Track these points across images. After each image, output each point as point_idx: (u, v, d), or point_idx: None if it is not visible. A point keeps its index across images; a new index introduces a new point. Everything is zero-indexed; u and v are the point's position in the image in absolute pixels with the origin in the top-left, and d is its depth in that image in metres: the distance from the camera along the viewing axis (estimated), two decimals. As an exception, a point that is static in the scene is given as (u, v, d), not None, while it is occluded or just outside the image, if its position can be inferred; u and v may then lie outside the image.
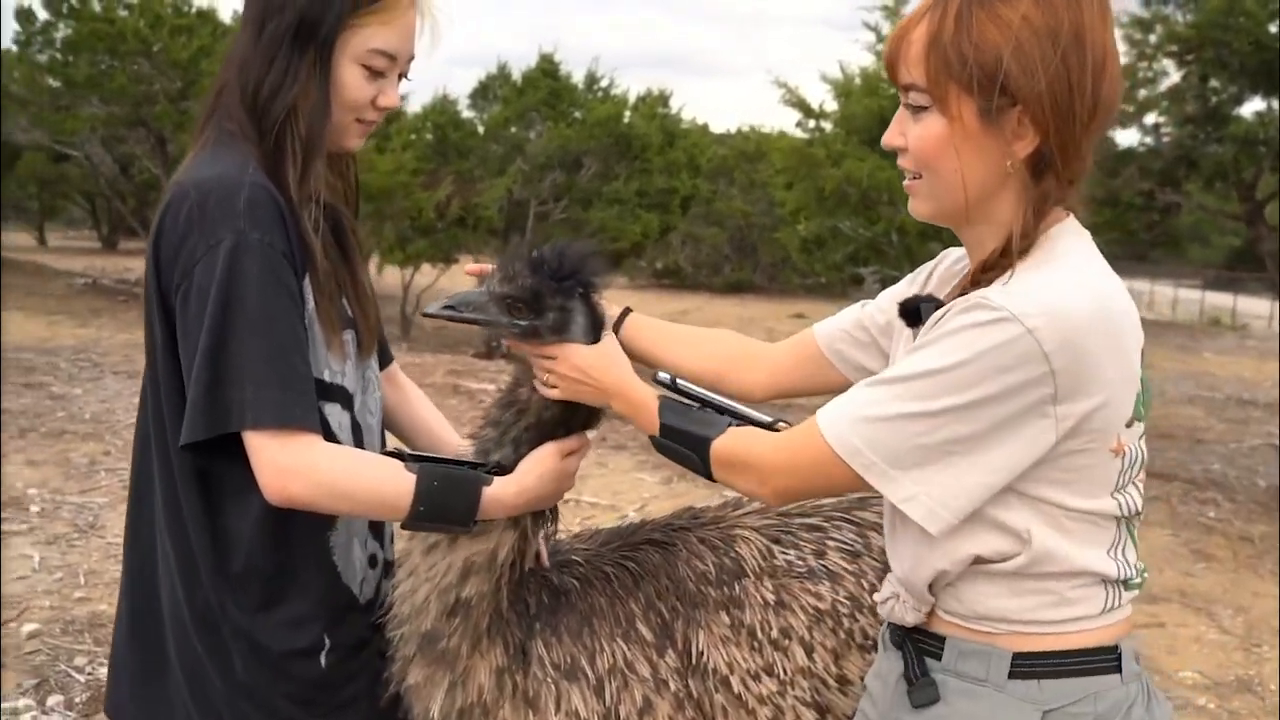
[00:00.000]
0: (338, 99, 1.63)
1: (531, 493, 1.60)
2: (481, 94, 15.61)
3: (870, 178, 9.09)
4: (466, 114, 15.36)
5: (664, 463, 7.53)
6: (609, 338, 1.62)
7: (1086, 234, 1.36)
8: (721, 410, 1.54)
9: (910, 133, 1.32)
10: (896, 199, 9.51)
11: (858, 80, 10.61)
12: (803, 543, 1.75)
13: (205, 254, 1.48)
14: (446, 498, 1.54)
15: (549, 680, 1.64)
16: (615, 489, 6.84)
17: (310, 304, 1.59)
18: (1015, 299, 1.22)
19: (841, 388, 1.48)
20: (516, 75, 15.21)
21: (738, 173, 25.08)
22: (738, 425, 1.48)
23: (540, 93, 14.69)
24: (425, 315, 1.63)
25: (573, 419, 1.66)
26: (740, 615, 1.67)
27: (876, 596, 1.49)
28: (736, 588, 1.69)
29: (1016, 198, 1.32)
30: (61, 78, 15.23)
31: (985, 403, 1.22)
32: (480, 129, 15.29)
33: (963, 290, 1.32)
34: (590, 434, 1.68)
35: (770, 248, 25.63)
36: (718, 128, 33.08)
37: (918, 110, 1.32)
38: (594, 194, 14.30)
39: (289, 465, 1.48)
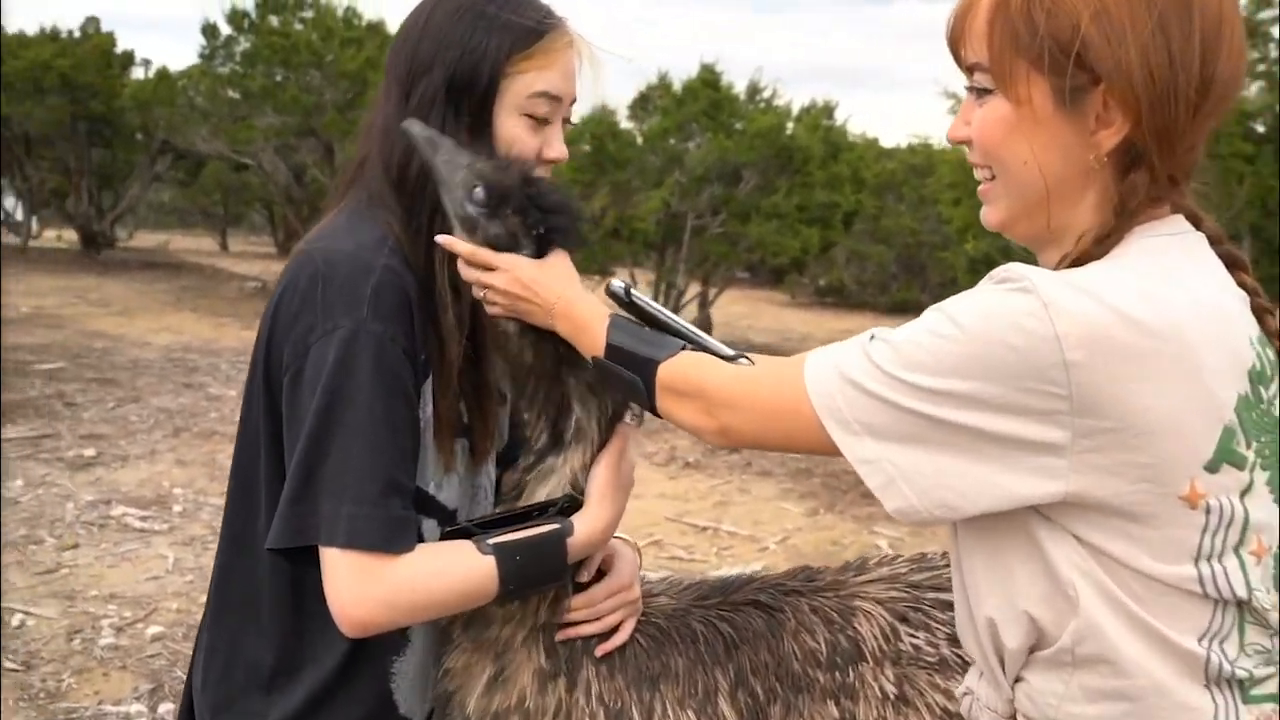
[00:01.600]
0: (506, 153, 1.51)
1: (612, 516, 1.48)
2: (641, 104, 15.59)
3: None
4: (625, 124, 15.35)
5: (810, 491, 7.26)
6: (558, 253, 1.45)
7: (1193, 236, 1.09)
8: (680, 335, 1.36)
9: (974, 121, 1.14)
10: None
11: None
12: (935, 624, 1.45)
13: (320, 339, 1.37)
14: (533, 568, 1.41)
15: (590, 712, 1.43)
16: (757, 518, 6.59)
17: (428, 409, 1.48)
18: (1047, 277, 0.98)
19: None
20: (677, 85, 15.09)
21: (905, 188, 24.47)
22: (693, 351, 1.31)
23: (700, 103, 14.54)
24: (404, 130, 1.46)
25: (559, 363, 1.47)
26: (852, 709, 1.39)
27: (956, 690, 1.22)
28: (851, 674, 1.42)
29: (1103, 201, 1.09)
30: (240, 89, 16.00)
31: (986, 380, 0.99)
32: (638, 139, 15.26)
33: None
34: (629, 421, 1.51)
35: (939, 267, 24.87)
36: (888, 141, 32.41)
37: (982, 94, 1.13)
38: (753, 207, 14.02)
39: (365, 593, 1.36)
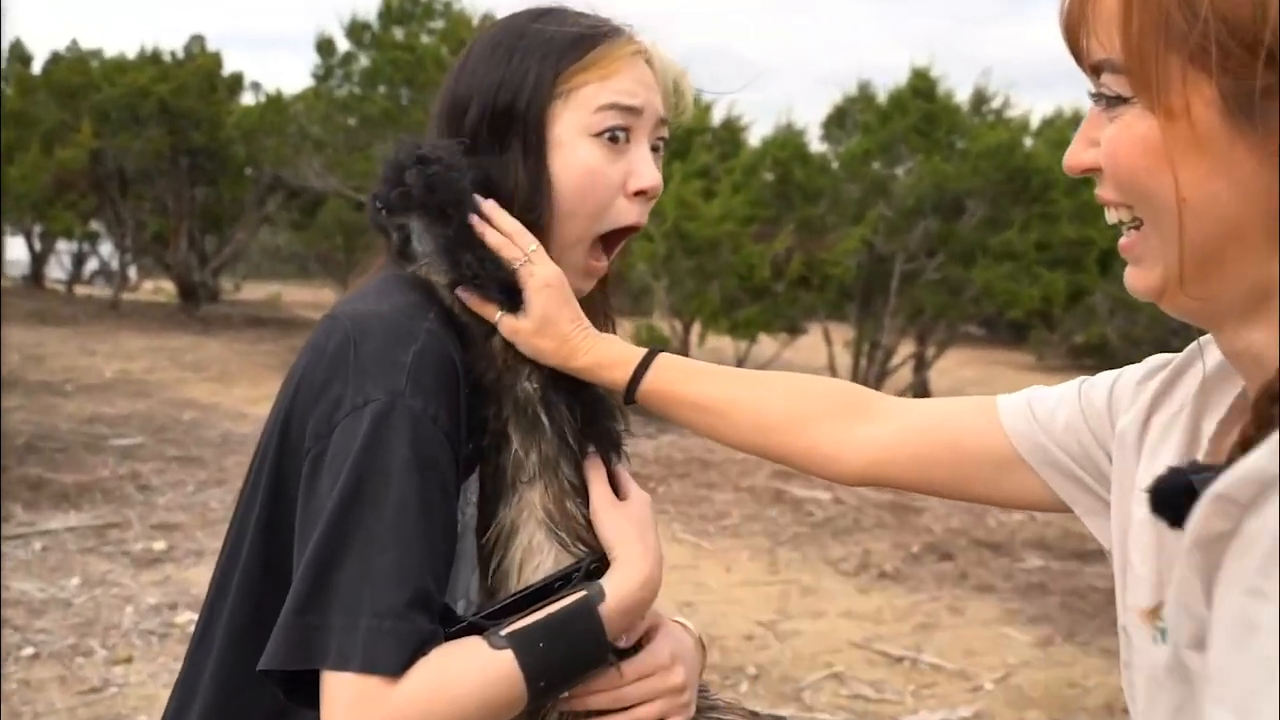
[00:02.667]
0: (572, 193, 1.55)
1: (649, 565, 1.47)
2: (836, 122, 15.56)
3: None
4: (817, 147, 15.34)
5: (1043, 614, 6.93)
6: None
7: None
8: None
9: (1104, 141, 1.01)
10: None
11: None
12: None
13: (348, 416, 1.38)
14: (562, 654, 1.37)
15: None
16: (969, 647, 6.33)
17: (469, 511, 1.50)
18: None
19: (1018, 502, 1.37)
20: (881, 96, 14.98)
21: (1189, 218, 23.49)
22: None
23: (911, 117, 14.36)
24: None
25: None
26: None
27: None
28: None
29: None
30: (358, 114, 16.78)
31: None
32: (833, 165, 15.19)
33: (1244, 440, 0.89)
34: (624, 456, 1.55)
35: None
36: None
37: (1114, 103, 1.00)
38: (978, 246, 13.68)
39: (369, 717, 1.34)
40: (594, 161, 1.53)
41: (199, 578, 6.56)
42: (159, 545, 7.09)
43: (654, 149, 1.61)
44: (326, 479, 1.37)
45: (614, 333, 1.71)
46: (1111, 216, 1.06)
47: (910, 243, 13.90)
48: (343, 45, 17.24)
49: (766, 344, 15.70)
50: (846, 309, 15.66)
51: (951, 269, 13.94)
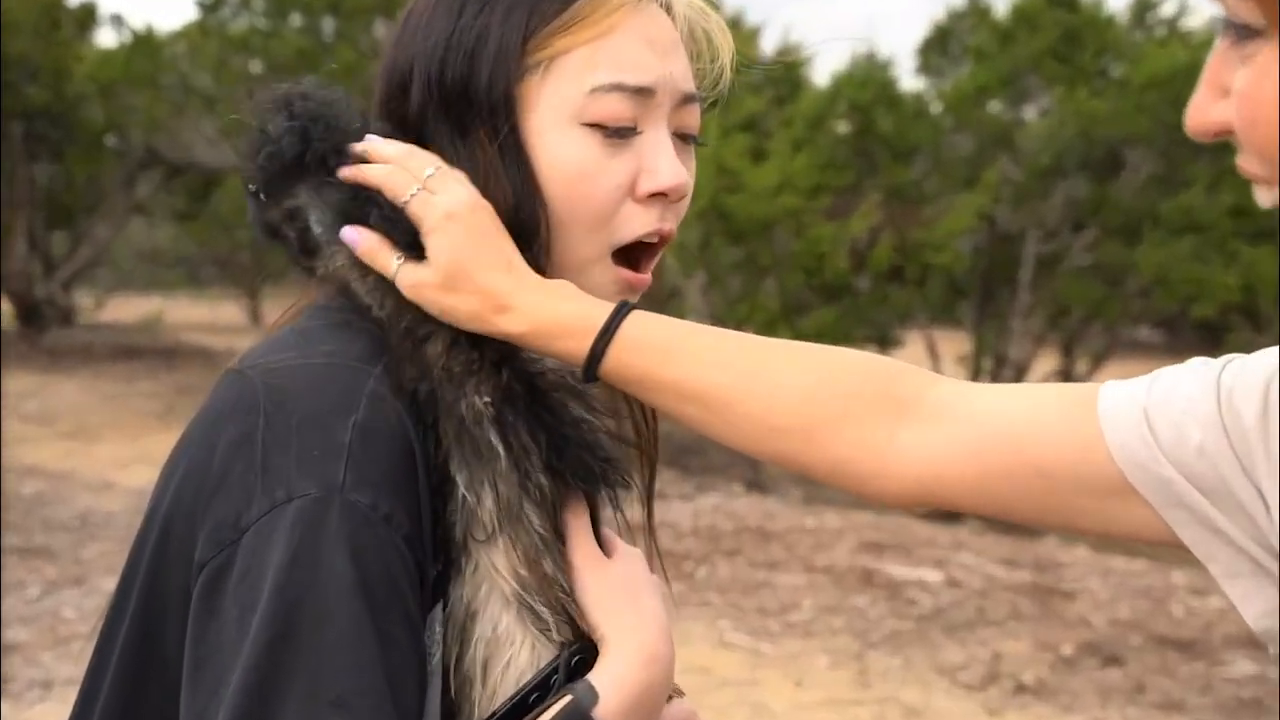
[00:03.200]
0: (561, 201, 1.50)
1: (646, 647, 1.43)
2: (937, 47, 15.52)
3: None
4: (910, 83, 15.33)
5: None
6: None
7: None
8: None
9: (1235, 90, 1.03)
10: None
11: None
12: None
13: (264, 518, 1.31)
14: None
15: None
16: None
17: (438, 648, 1.43)
18: None
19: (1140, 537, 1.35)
20: (1001, 10, 14.96)
21: None
22: None
23: (1046, 36, 14.30)
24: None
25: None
26: None
27: None
28: None
29: None
30: (263, 56, 16.83)
31: None
32: (935, 108, 15.15)
33: None
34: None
35: None
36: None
37: (1243, 35, 1.02)
38: (1146, 216, 13.60)
39: None
40: (587, 158, 1.48)
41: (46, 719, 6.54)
42: (-11, 677, 7.06)
43: (682, 136, 1.55)
44: (234, 607, 1.29)
45: None
46: (1264, 199, 1.05)
47: (1048, 214, 13.85)
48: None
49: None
50: (959, 310, 15.60)
51: (1109, 249, 13.87)
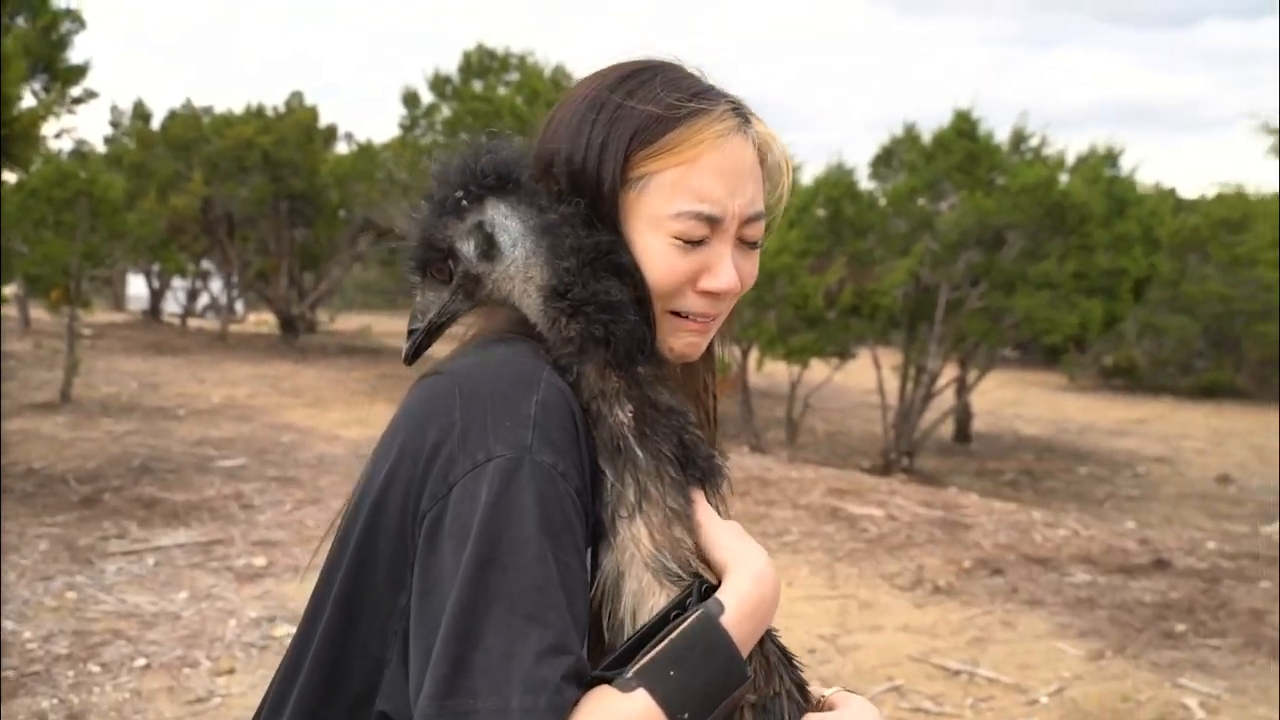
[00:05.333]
0: (644, 278, 1.36)
1: (762, 567, 1.29)
2: (884, 161, 15.30)
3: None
4: (866, 184, 15.11)
5: (1093, 628, 6.62)
6: None
7: None
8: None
9: None
10: None
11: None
12: None
13: (468, 475, 1.20)
14: (700, 676, 1.19)
15: None
16: (1024, 661, 6.04)
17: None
18: None
19: None
20: (926, 136, 14.73)
21: (1213, 246, 22.91)
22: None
23: (955, 156, 14.09)
24: (406, 362, 1.41)
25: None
26: None
27: None
28: None
29: None
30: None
31: None
32: (881, 201, 14.95)
33: None
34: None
35: (1261, 341, 23.07)
36: (1189, 191, 30.80)
37: None
38: (1019, 276, 13.38)
39: None
40: (667, 258, 1.34)
41: (296, 593, 6.45)
42: (259, 561, 6.99)
43: (749, 244, 1.40)
44: (448, 544, 1.18)
45: (713, 402, 1.53)
46: None
47: (955, 274, 13.64)
48: (426, 98, 17.29)
49: (818, 368, 15.47)
50: (893, 335, 15.40)
51: (993, 298, 13.65)
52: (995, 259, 13.54)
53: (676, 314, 1.38)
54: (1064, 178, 13.89)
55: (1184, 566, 8.08)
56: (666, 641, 1.19)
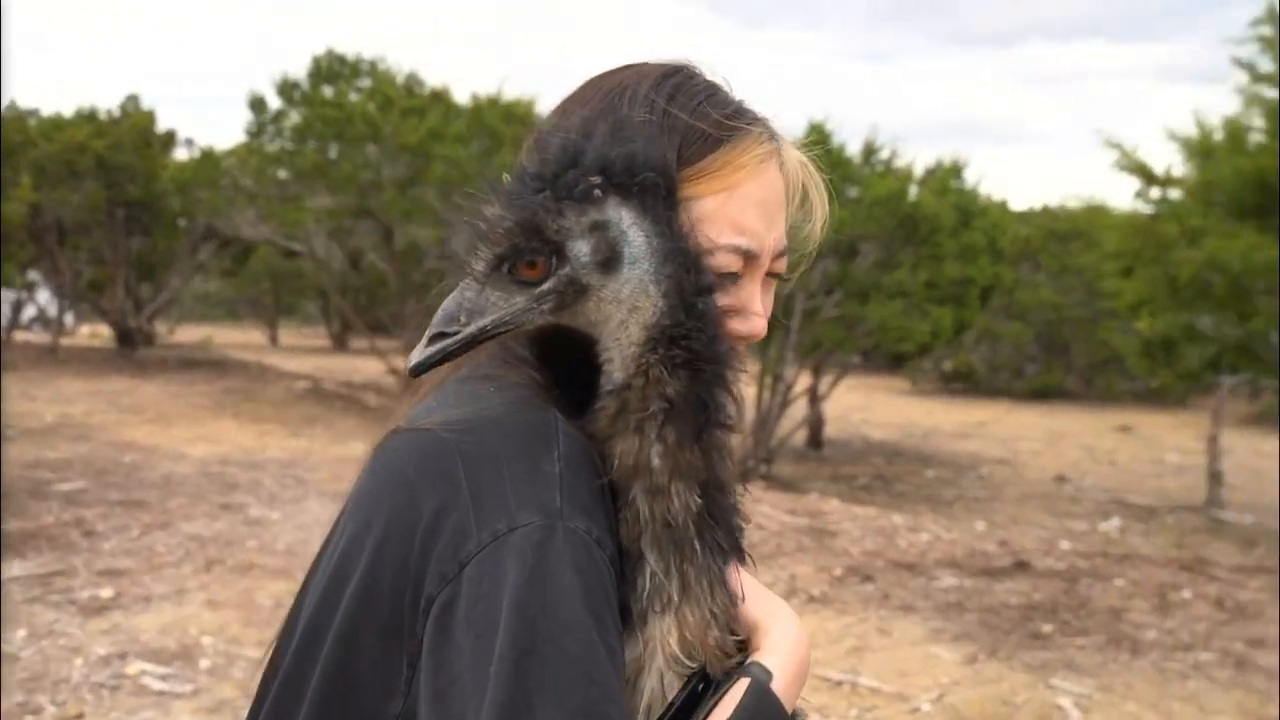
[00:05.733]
0: None
1: (798, 630, 1.15)
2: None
3: (1243, 260, 7.91)
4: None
5: (965, 632, 6.64)
6: None
7: None
8: None
9: None
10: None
11: (1219, 136, 9.44)
12: None
13: (486, 550, 1.00)
14: None
15: None
16: (902, 667, 6.02)
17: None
18: None
19: None
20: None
21: (1044, 256, 23.80)
22: None
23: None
24: (413, 374, 1.09)
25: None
26: None
27: None
28: None
29: None
30: (290, 167, 16.19)
31: None
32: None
33: None
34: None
35: (1087, 346, 24.08)
36: (1016, 203, 32.01)
37: None
38: (872, 286, 13.55)
39: None
40: None
41: (149, 624, 6.00)
42: (106, 593, 6.48)
43: (775, 275, 1.26)
44: (468, 634, 0.98)
45: None
46: None
47: (810, 283, 13.71)
48: (274, 103, 16.64)
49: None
50: (751, 346, 15.41)
51: (849, 307, 13.77)
52: (850, 269, 13.68)
53: None
54: (914, 190, 14.13)
55: (1043, 567, 8.22)
56: (725, 715, 1.04)
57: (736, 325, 1.20)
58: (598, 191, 1.07)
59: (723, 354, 1.10)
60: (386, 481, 1.07)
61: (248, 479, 10.21)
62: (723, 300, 1.17)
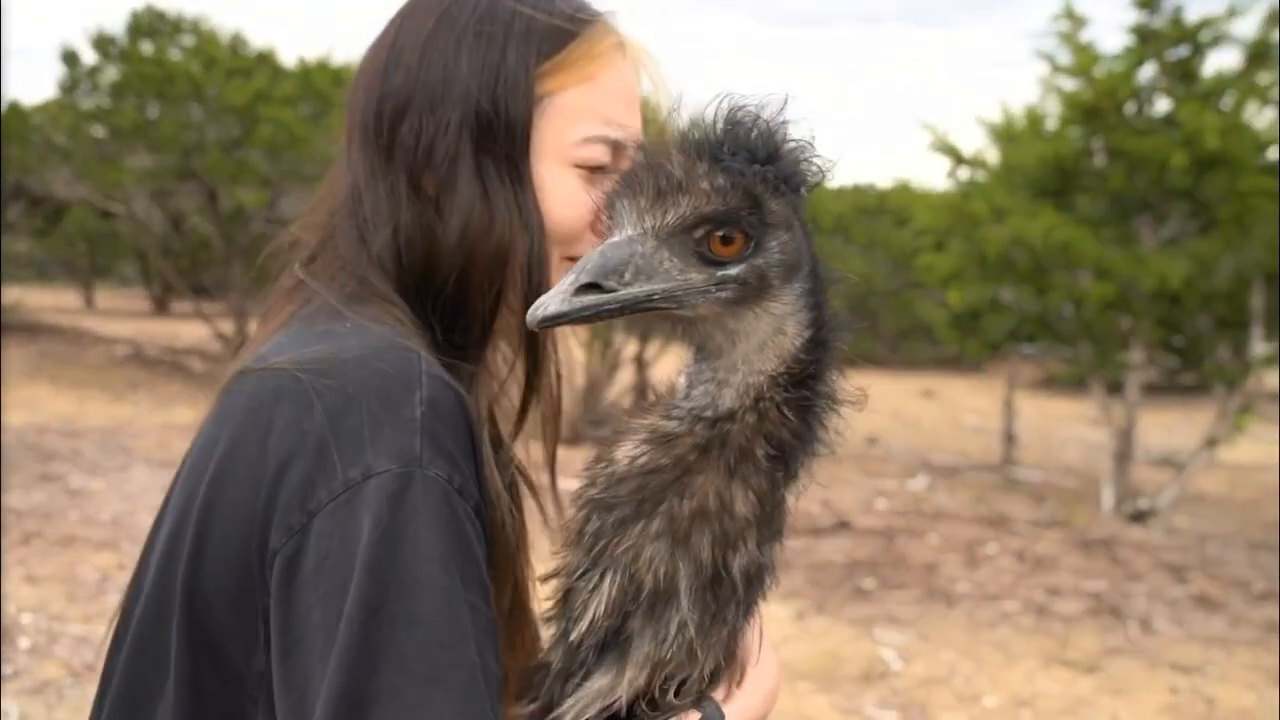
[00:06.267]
0: (548, 225, 1.14)
1: (769, 681, 1.11)
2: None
3: (1043, 238, 8.29)
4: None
5: (792, 590, 6.80)
6: None
7: None
8: None
9: None
10: (1075, 263, 8.69)
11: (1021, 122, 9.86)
12: None
13: (338, 500, 0.91)
14: None
15: None
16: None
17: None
18: None
19: None
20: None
21: (854, 230, 24.56)
22: None
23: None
24: (545, 324, 0.92)
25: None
26: None
27: None
28: None
29: None
30: (107, 125, 15.28)
31: None
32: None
33: None
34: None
35: (894, 315, 24.96)
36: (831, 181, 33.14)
37: None
38: (698, 255, 13.70)
39: None
40: (573, 194, 1.13)
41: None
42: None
43: None
44: (315, 590, 0.89)
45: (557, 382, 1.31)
46: None
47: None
48: (89, 58, 15.64)
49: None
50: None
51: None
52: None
53: (569, 259, 1.17)
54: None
55: (864, 526, 8.48)
56: None
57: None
58: (804, 189, 0.96)
59: (838, 398, 1.02)
60: (234, 427, 0.98)
61: (67, 448, 9.63)
62: (592, 195, 1.12)
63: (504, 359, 1.20)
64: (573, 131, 1.12)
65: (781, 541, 1.01)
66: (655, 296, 0.92)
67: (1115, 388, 9.72)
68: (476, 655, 0.91)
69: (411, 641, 0.88)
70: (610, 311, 0.92)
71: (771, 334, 0.97)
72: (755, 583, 1.00)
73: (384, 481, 0.90)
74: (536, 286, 1.11)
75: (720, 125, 0.94)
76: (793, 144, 0.96)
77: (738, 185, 0.92)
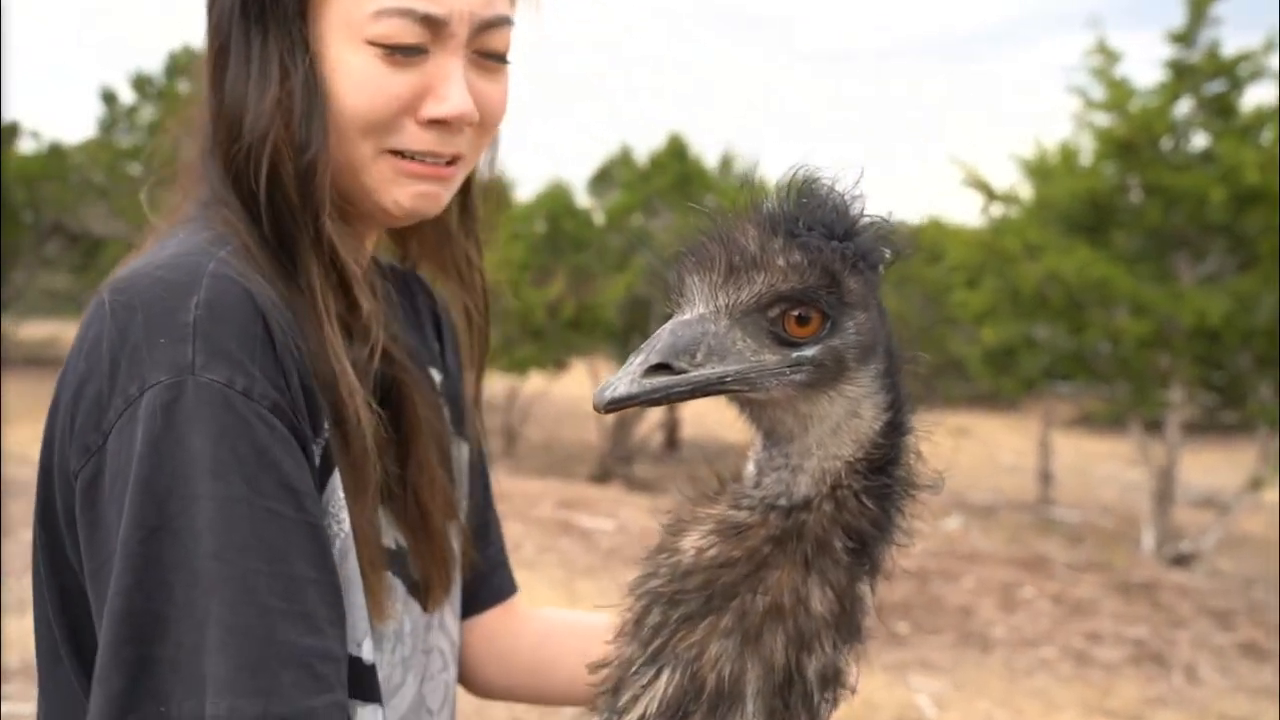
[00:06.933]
0: (340, 113, 1.02)
1: None
2: (601, 180, 15.31)
3: (1078, 274, 8.16)
4: (583, 201, 15.05)
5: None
6: None
7: None
8: None
9: None
10: (1111, 300, 8.54)
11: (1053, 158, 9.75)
12: None
13: (121, 417, 0.88)
14: None
15: None
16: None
17: (345, 520, 0.97)
18: None
19: None
20: (642, 158, 14.86)
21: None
22: None
23: (668, 177, 14.26)
24: (611, 408, 0.84)
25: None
26: None
27: None
28: None
29: None
30: (143, 163, 15.47)
31: None
32: (599, 219, 14.94)
33: None
34: None
35: (927, 352, 24.80)
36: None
37: None
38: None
39: None
40: (366, 74, 1.01)
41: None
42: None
43: (493, 58, 1.08)
44: (111, 508, 0.87)
45: (480, 283, 1.29)
46: None
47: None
48: (127, 97, 15.89)
49: (535, 380, 15.27)
50: (611, 348, 15.41)
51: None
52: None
53: (398, 154, 1.06)
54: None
55: (897, 567, 8.31)
56: None
57: (429, 108, 1.04)
58: (882, 266, 0.89)
59: (917, 484, 0.95)
60: (68, 356, 0.97)
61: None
62: (404, 80, 1.02)
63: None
64: (365, 5, 1.01)
65: (861, 642, 0.93)
66: (728, 378, 0.85)
67: (1153, 426, 9.53)
68: (264, 561, 0.85)
69: (191, 555, 0.85)
70: (681, 394, 0.85)
71: (846, 417, 0.89)
72: (829, 688, 0.90)
73: (156, 394, 0.87)
74: (305, 175, 1.02)
75: (795, 197, 0.88)
76: (870, 218, 0.89)
77: (815, 262, 0.85)
